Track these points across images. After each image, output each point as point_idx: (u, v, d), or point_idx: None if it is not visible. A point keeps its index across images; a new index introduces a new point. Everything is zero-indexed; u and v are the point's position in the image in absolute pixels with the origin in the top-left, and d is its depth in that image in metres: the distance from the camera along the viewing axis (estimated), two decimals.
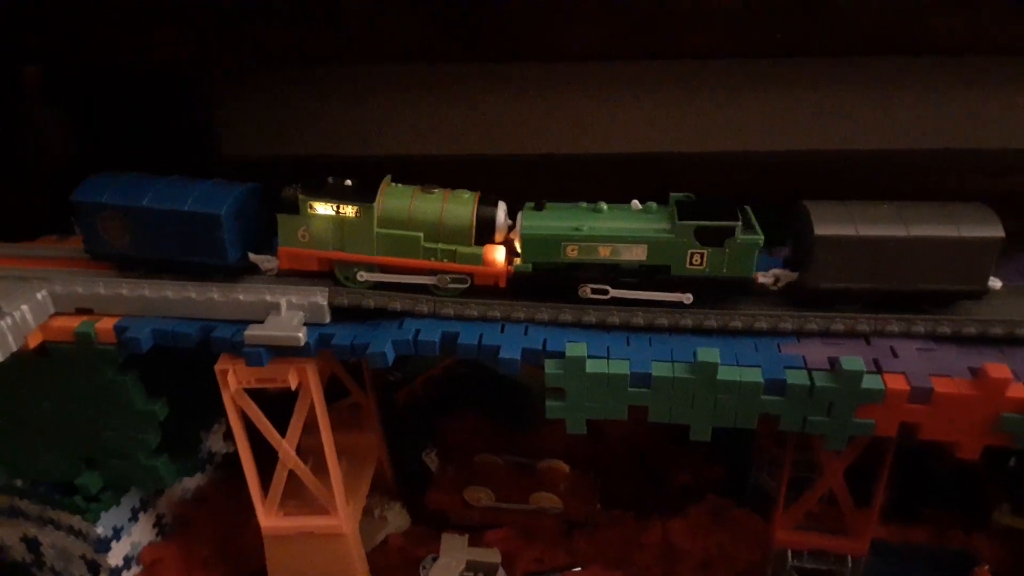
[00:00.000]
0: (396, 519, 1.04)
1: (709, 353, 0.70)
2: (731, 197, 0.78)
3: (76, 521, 0.88)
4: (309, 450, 0.87)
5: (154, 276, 0.81)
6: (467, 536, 0.97)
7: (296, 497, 0.90)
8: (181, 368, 0.83)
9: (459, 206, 0.77)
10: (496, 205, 0.78)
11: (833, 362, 0.71)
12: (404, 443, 1.10)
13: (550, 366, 0.73)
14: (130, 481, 0.88)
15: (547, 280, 0.77)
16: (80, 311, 0.80)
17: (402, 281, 0.79)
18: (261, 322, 0.77)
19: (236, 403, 0.82)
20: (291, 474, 0.86)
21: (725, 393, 0.71)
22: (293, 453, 0.85)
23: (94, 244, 0.82)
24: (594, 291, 0.77)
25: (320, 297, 0.78)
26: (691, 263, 0.75)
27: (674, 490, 1.05)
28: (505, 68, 1.23)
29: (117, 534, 0.89)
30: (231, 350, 0.78)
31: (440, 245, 0.77)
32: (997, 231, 0.73)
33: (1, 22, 0.98)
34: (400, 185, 0.80)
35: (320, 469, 0.88)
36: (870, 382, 0.70)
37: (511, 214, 0.79)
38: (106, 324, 0.78)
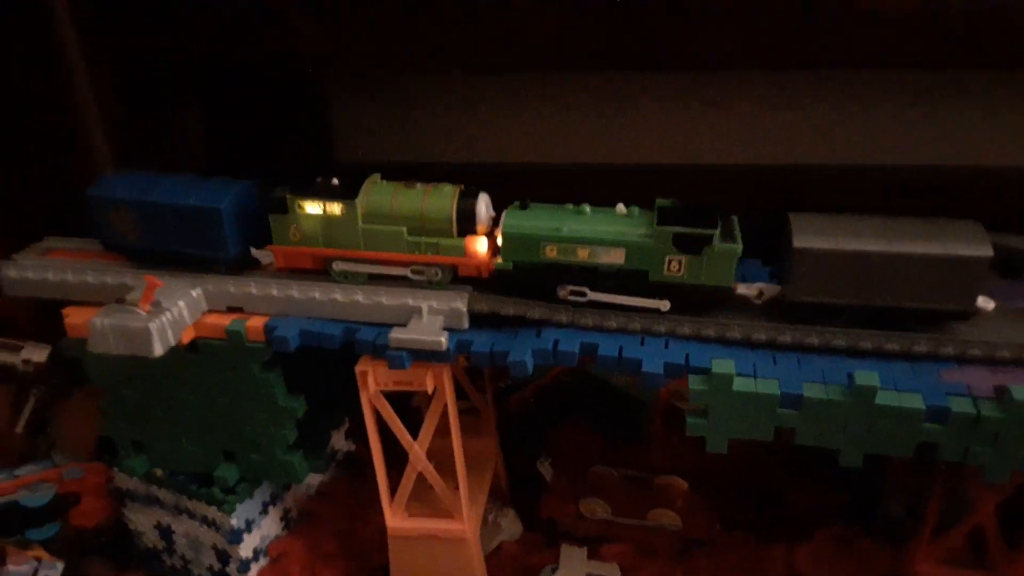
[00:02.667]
0: (509, 526, 1.04)
1: (868, 376, 0.68)
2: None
3: (211, 512, 0.91)
4: (434, 453, 0.88)
5: (164, 268, 0.84)
6: (586, 548, 0.96)
7: (420, 499, 0.91)
8: (314, 367, 0.86)
9: (440, 199, 0.79)
10: (477, 197, 0.79)
11: (1000, 391, 0.68)
12: (517, 450, 1.10)
13: (694, 382, 0.72)
14: (265, 475, 0.91)
15: (526, 279, 0.79)
16: (231, 309, 0.83)
17: (387, 273, 0.81)
18: (402, 325, 0.79)
19: (373, 404, 0.83)
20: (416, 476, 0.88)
21: (882, 419, 0.68)
22: (424, 456, 0.86)
23: (108, 237, 0.87)
24: (572, 293, 0.78)
25: (460, 303, 0.79)
26: (668, 269, 0.75)
27: (794, 515, 1.02)
28: (621, 79, 1.22)
29: (249, 526, 0.92)
30: (373, 352, 0.80)
31: (423, 239, 0.79)
32: (984, 250, 0.70)
33: (139, 25, 1.04)
34: (384, 182, 0.82)
35: (444, 473, 0.89)
36: None
37: None
38: (256, 323, 0.81)
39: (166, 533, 0.97)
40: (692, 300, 0.77)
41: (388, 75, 1.31)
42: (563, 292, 0.78)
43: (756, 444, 0.74)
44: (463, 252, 0.79)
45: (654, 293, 0.77)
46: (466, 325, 0.80)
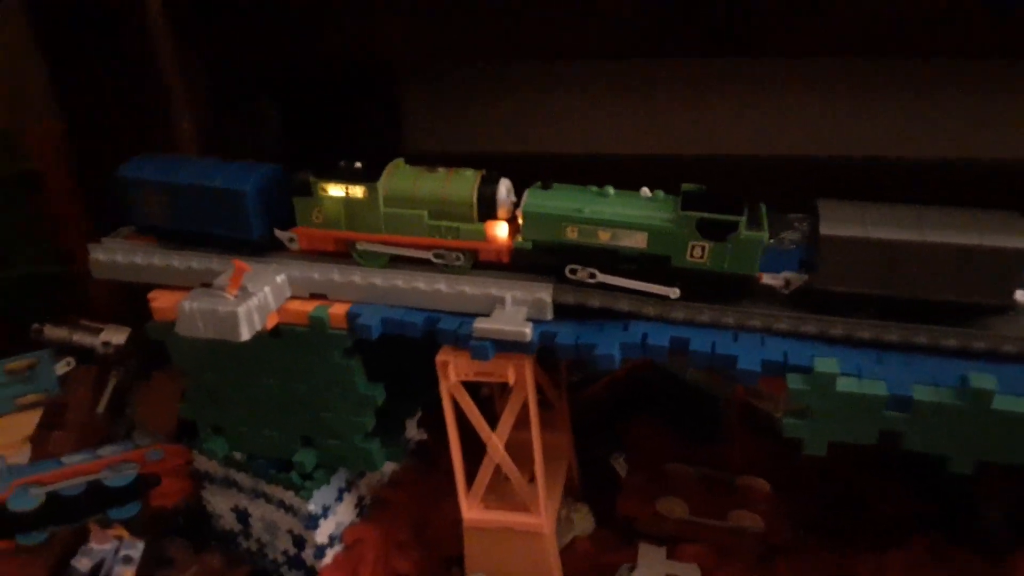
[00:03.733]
0: (582, 522, 1.02)
1: (984, 379, 0.64)
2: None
3: (289, 496, 0.91)
4: (509, 445, 0.87)
5: (191, 248, 0.86)
6: (665, 548, 0.94)
7: (495, 491, 0.90)
8: (391, 355, 0.85)
9: (461, 183, 0.78)
10: (498, 182, 0.77)
11: None
12: (589, 445, 1.08)
13: (794, 381, 0.69)
14: (343, 462, 0.91)
15: (544, 259, 0.77)
16: (313, 296, 0.83)
17: (409, 255, 0.80)
18: (485, 315, 0.78)
19: (452, 394, 0.82)
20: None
21: (998, 424, 0.64)
22: (502, 448, 0.85)
23: (138, 218, 0.88)
24: (575, 272, 0.76)
25: (544, 294, 0.77)
26: (692, 255, 0.73)
27: (880, 522, 0.98)
28: (691, 66, 1.20)
29: (325, 512, 0.92)
30: (454, 342, 0.79)
31: (444, 222, 0.78)
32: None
33: (226, 29, 1.05)
34: (407, 166, 0.81)
35: (520, 466, 0.87)
36: None
37: None
38: (339, 310, 0.80)
39: (243, 516, 0.98)
40: (714, 288, 0.74)
41: (453, 67, 1.31)
42: (570, 272, 0.76)
43: (839, 445, 0.71)
44: (483, 236, 0.78)
45: (675, 279, 0.75)
46: (550, 316, 0.78)
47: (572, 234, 0.75)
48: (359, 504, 0.98)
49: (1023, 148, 1.09)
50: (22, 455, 1.05)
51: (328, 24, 1.08)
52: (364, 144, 1.30)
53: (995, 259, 0.67)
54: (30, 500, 0.92)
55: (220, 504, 0.99)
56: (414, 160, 0.83)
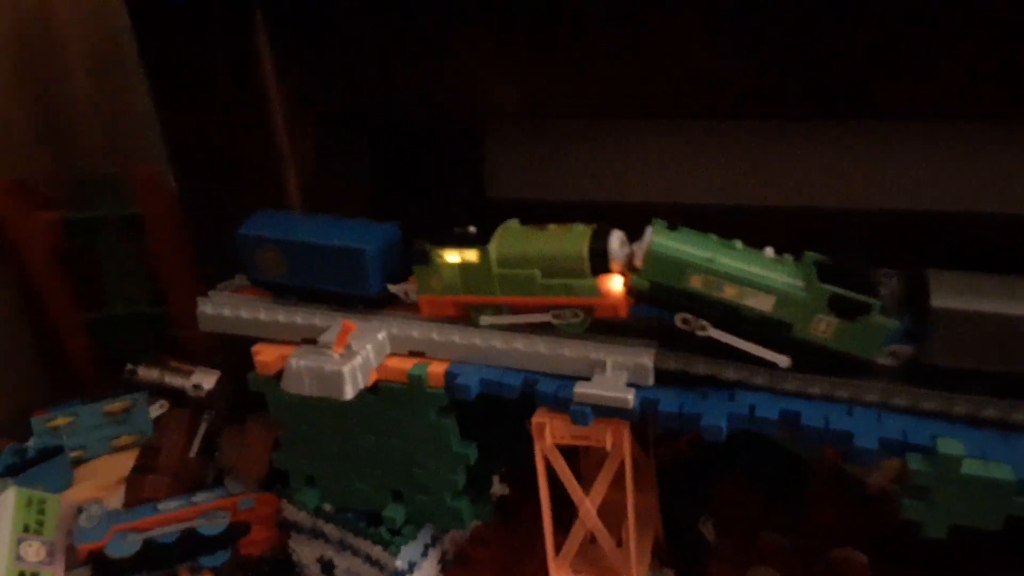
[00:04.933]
0: None
1: None
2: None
3: (376, 551, 0.91)
4: (602, 508, 0.85)
5: (307, 303, 0.88)
6: None
7: (583, 555, 0.88)
8: (482, 414, 0.85)
9: (572, 239, 0.76)
10: (609, 234, 0.75)
11: None
12: (676, 507, 1.06)
13: (915, 462, 0.66)
14: (431, 518, 0.91)
15: (658, 304, 0.75)
16: (412, 353, 0.83)
17: (523, 322, 0.79)
18: (585, 379, 0.77)
19: (546, 457, 0.82)
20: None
21: None
22: (594, 513, 0.83)
23: (255, 273, 0.90)
24: (684, 321, 0.73)
25: (646, 358, 0.76)
26: (815, 329, 0.70)
27: None
28: (755, 124, 1.19)
29: (411, 567, 0.92)
30: (552, 404, 0.78)
31: (556, 280, 0.76)
32: None
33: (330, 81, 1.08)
34: (519, 225, 0.81)
35: (610, 529, 0.85)
36: None
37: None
38: (437, 368, 0.81)
39: (328, 567, 0.99)
40: (828, 364, 0.72)
41: (539, 118, 1.32)
42: (683, 321, 0.74)
43: None
44: (596, 292, 0.76)
45: (788, 349, 0.72)
46: (651, 382, 0.77)
47: (696, 283, 0.72)
48: (442, 560, 0.98)
49: None
50: (116, 497, 1.08)
51: (424, 76, 1.11)
52: (445, 189, 1.32)
53: None
54: (128, 547, 0.94)
55: (306, 554, 1.00)
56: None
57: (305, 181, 1.07)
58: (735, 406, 0.72)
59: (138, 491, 1.07)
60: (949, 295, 0.68)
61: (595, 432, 0.78)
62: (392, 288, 0.86)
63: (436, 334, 0.82)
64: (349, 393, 0.76)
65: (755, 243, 0.77)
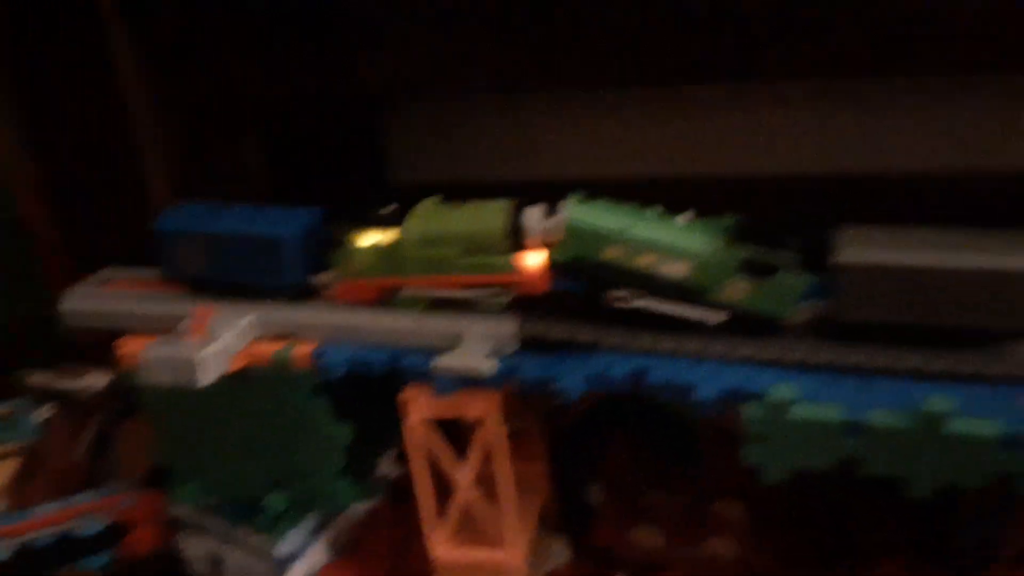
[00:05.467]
0: (558, 553, 1.02)
1: (939, 402, 0.64)
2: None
3: (260, 540, 0.91)
4: (481, 479, 0.87)
5: (225, 297, 0.85)
6: None
7: (468, 527, 0.90)
8: (362, 393, 0.85)
9: (489, 215, 0.76)
10: (526, 210, 0.76)
11: None
12: (565, 473, 1.08)
13: (749, 409, 0.69)
14: (313, 503, 0.91)
15: (581, 277, 0.75)
16: (279, 336, 0.83)
17: (448, 296, 0.79)
18: (449, 351, 0.78)
19: (418, 432, 0.82)
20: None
21: (953, 448, 0.64)
22: (471, 485, 0.85)
23: (172, 268, 0.88)
24: (618, 299, 0.74)
25: (507, 327, 0.78)
26: (730, 291, 0.72)
27: (862, 545, 0.97)
28: (676, 92, 1.20)
29: (297, 554, 0.92)
30: (418, 379, 0.79)
31: (475, 259, 0.76)
32: None
33: (199, 60, 1.06)
34: (435, 204, 0.80)
35: (493, 500, 0.87)
36: None
37: None
38: (303, 349, 0.81)
39: (216, 562, 0.98)
40: (744, 326, 0.74)
41: (440, 95, 1.31)
42: (609, 297, 0.75)
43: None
44: (516, 269, 0.77)
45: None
46: (513, 349, 0.78)
47: (613, 253, 0.72)
48: (334, 544, 0.98)
49: None
50: (1, 505, 1.05)
51: (309, 58, 1.09)
52: (348, 175, 1.30)
53: (1020, 283, 0.65)
54: (0, 553, 0.91)
55: (195, 550, 0.99)
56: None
57: (175, 173, 1.05)
58: (591, 367, 0.74)
59: (21, 497, 1.04)
60: (854, 250, 0.70)
61: (463, 403, 0.79)
62: (316, 279, 0.84)
63: (304, 315, 0.82)
64: (204, 379, 0.75)
65: (674, 213, 0.77)
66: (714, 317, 0.74)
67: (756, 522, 0.98)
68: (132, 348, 0.84)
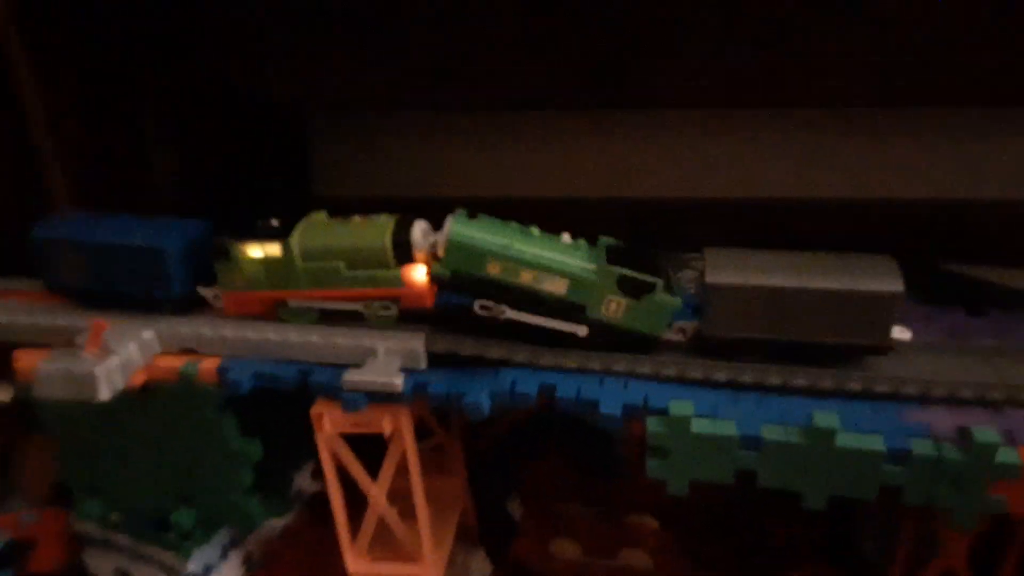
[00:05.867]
0: (478, 567, 1.02)
1: (827, 417, 0.66)
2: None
3: (168, 557, 0.89)
4: (397, 493, 0.86)
5: (109, 309, 0.83)
6: None
7: (383, 541, 0.89)
8: (274, 409, 0.84)
9: (375, 230, 0.77)
10: (412, 225, 0.77)
11: (963, 432, 0.66)
12: (486, 488, 1.08)
13: (652, 424, 0.70)
14: (222, 519, 0.89)
15: (461, 292, 0.76)
16: (184, 351, 0.81)
17: (334, 308, 0.79)
18: (359, 366, 0.77)
19: (330, 447, 0.82)
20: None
21: (843, 461, 0.66)
22: (384, 499, 0.84)
23: (53, 279, 0.86)
24: (484, 308, 0.76)
25: (417, 343, 0.78)
26: (607, 309, 0.74)
27: (770, 553, 1.00)
28: (596, 115, 1.23)
29: (208, 571, 0.90)
30: (328, 394, 0.78)
31: (361, 272, 0.77)
32: (896, 285, 0.70)
33: (103, 59, 1.03)
34: (323, 218, 0.81)
35: (408, 514, 0.86)
36: (1005, 455, 0.64)
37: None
38: (209, 364, 0.79)
39: None
40: (620, 343, 0.76)
41: (365, 112, 1.31)
42: (481, 308, 0.76)
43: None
44: (401, 282, 0.77)
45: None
46: (423, 365, 0.78)
47: (495, 269, 0.74)
48: (247, 561, 0.96)
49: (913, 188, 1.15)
50: None
51: (215, 69, 1.07)
52: (268, 185, 1.28)
53: (871, 303, 0.70)
54: None
55: (101, 567, 0.95)
56: (324, 205, 0.82)
57: (78, 178, 1.01)
58: (498, 383, 0.75)
59: None
60: (720, 271, 0.73)
61: (374, 418, 0.79)
62: (201, 291, 0.83)
63: (208, 329, 0.80)
64: (104, 394, 0.73)
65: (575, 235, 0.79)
66: (581, 330, 0.75)
67: (668, 533, 1.00)
68: (30, 361, 0.81)
